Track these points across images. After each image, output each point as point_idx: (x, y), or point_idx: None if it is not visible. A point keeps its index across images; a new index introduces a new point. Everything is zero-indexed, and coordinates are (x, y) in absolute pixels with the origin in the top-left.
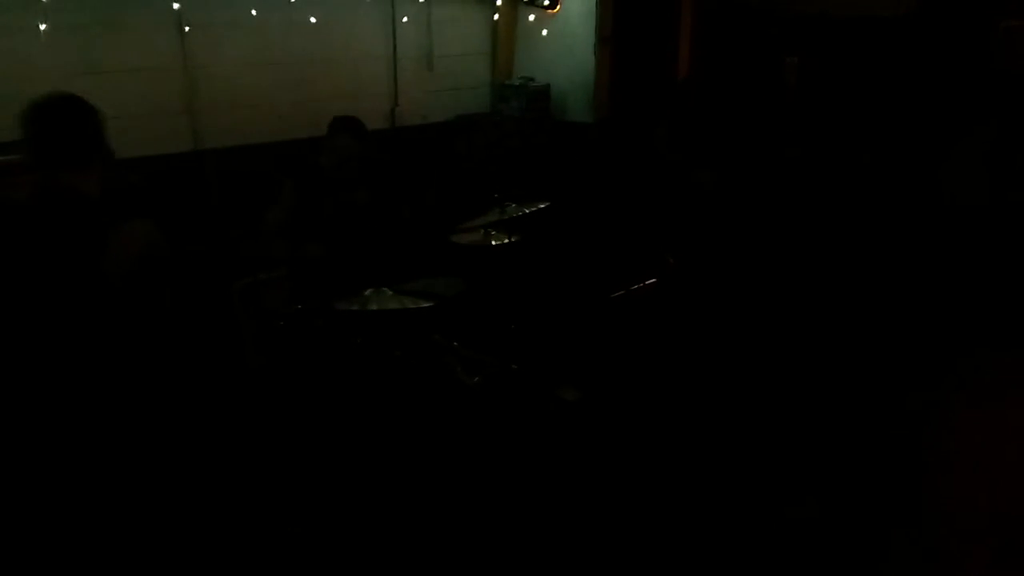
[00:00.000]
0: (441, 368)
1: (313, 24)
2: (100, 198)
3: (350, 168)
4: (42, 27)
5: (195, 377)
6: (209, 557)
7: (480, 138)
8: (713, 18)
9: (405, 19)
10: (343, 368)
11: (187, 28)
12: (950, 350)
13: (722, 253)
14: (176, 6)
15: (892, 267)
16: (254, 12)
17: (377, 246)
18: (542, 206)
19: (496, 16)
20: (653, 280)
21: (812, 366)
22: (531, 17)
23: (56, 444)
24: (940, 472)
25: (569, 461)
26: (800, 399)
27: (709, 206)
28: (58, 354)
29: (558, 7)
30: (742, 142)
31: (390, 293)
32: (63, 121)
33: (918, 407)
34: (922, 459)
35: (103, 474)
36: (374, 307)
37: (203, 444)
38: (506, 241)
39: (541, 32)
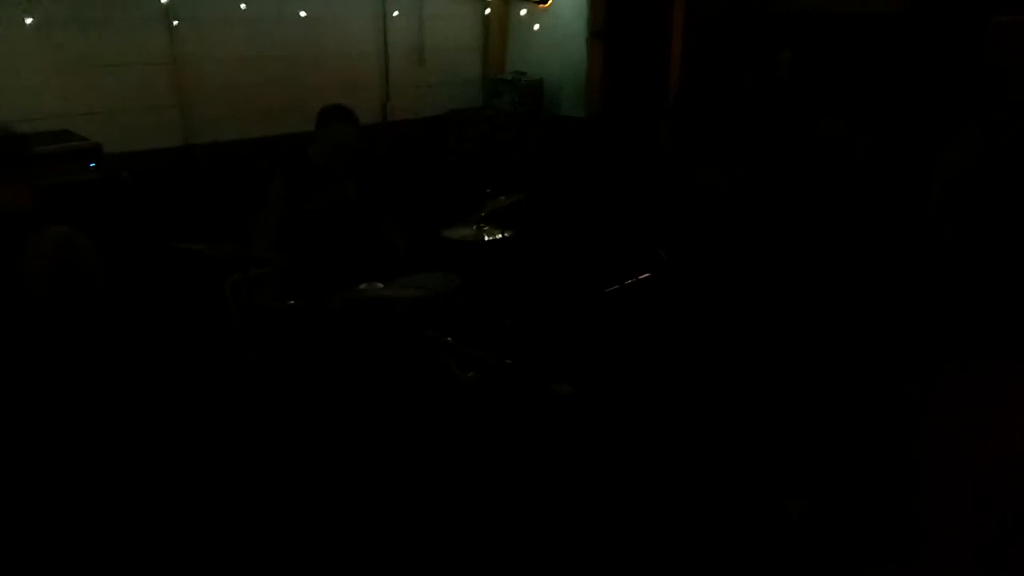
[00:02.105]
0: (435, 363)
1: (304, 18)
2: (29, 208)
3: (343, 158)
4: (28, 21)
5: (187, 373)
6: (202, 553)
7: (472, 132)
8: (705, 13)
9: (396, 13)
10: (336, 364)
11: (176, 22)
12: (942, 352)
13: (717, 249)
14: (164, 0)
15: (884, 268)
16: (243, 6)
17: (365, 241)
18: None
19: (488, 10)
20: (646, 275)
21: (805, 362)
22: (523, 11)
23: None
24: (935, 472)
25: (563, 456)
26: (794, 396)
27: (714, 204)
28: None
29: (549, 1)
30: (745, 140)
31: (382, 287)
32: None
33: (912, 407)
34: (916, 458)
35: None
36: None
37: (196, 440)
38: (500, 236)
39: (533, 26)
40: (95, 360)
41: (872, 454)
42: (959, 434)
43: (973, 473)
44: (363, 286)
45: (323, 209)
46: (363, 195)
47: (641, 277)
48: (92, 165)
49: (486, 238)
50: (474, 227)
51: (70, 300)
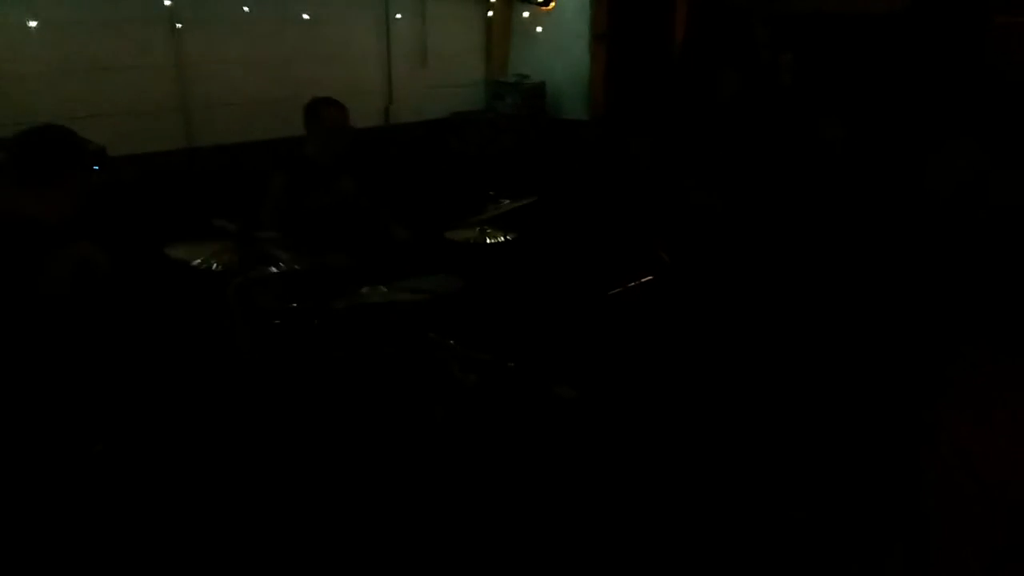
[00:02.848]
0: (437, 366)
1: (306, 21)
2: (59, 220)
3: (338, 143)
4: (32, 24)
5: (190, 375)
6: (201, 554)
7: (475, 135)
8: (707, 15)
9: (399, 16)
10: (338, 366)
11: (179, 25)
12: (945, 352)
13: (720, 251)
14: (168, 3)
15: (885, 268)
16: (246, 9)
17: (364, 238)
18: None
19: (490, 13)
20: (649, 277)
21: (809, 365)
22: (525, 14)
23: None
24: (938, 472)
25: (566, 460)
26: (798, 398)
27: (712, 222)
28: None
29: (552, 4)
30: (742, 152)
31: (385, 291)
32: (24, 147)
33: (915, 408)
34: (920, 460)
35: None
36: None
37: (198, 442)
38: (502, 239)
39: (536, 29)
40: (98, 361)
41: (877, 456)
42: (966, 435)
43: (980, 474)
44: (365, 290)
45: (324, 205)
46: (362, 191)
47: (644, 280)
48: (96, 168)
49: (488, 240)
50: (477, 229)
51: (80, 316)
